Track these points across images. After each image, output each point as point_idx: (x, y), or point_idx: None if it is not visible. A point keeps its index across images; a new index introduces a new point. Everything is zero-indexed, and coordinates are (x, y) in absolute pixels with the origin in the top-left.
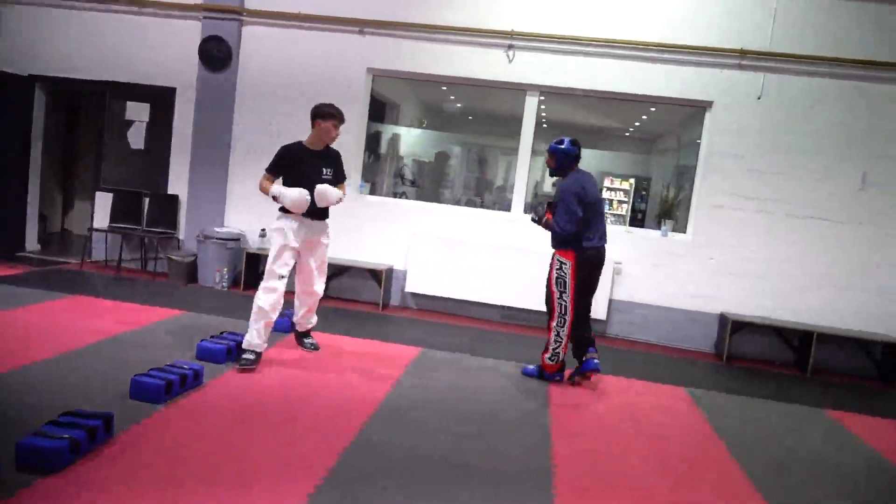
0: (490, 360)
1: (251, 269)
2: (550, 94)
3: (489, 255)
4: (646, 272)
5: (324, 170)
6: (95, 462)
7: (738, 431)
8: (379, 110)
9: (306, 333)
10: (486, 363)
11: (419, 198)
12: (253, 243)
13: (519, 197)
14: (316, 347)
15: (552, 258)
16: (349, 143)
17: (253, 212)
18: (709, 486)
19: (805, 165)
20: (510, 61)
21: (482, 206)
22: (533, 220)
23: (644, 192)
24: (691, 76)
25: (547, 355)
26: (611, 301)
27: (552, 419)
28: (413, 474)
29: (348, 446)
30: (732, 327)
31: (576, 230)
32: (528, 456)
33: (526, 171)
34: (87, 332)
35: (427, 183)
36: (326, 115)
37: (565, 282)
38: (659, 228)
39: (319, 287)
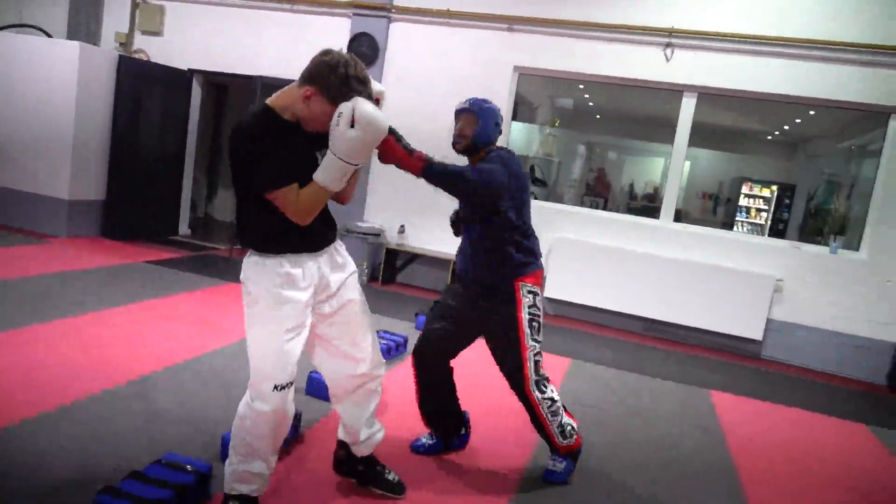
0: (647, 379)
1: (389, 264)
2: (706, 95)
3: (634, 264)
4: (810, 291)
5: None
6: None
7: None
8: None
9: (370, 461)
10: (643, 382)
11: (547, 197)
12: (392, 239)
13: (669, 203)
14: (398, 493)
15: (509, 292)
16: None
17: (393, 208)
18: None
19: None
20: (668, 60)
21: (605, 207)
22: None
23: (787, 201)
24: (872, 78)
25: (562, 439)
26: (768, 321)
27: (733, 457)
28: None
29: (524, 469)
30: None
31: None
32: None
33: (679, 176)
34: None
35: (553, 182)
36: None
37: (540, 320)
38: (811, 241)
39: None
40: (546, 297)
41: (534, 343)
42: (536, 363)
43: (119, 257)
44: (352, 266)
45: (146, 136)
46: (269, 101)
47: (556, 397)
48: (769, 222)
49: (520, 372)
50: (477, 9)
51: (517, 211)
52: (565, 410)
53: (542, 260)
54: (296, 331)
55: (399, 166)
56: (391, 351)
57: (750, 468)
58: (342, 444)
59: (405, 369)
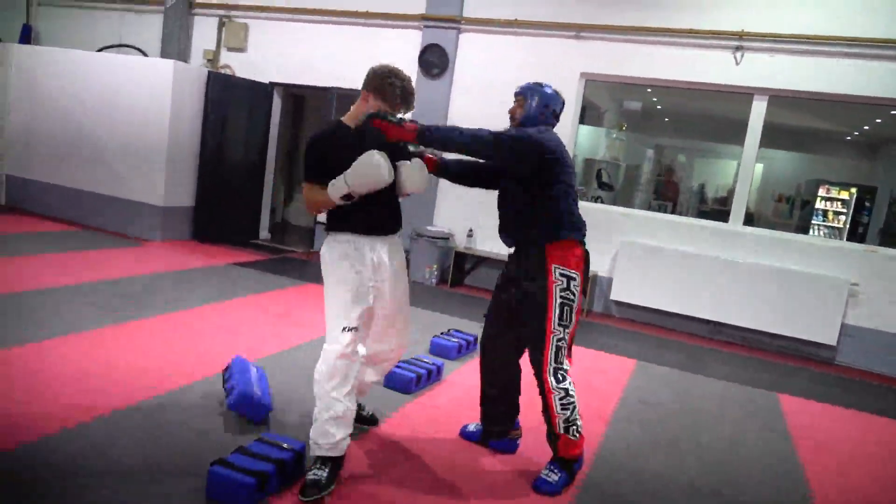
0: (713, 381)
1: (458, 267)
2: (777, 97)
3: (702, 268)
4: (888, 296)
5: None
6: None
7: None
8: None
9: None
10: (709, 384)
11: (614, 201)
12: (461, 242)
13: (739, 206)
14: (372, 423)
15: (540, 269)
16: None
17: (461, 213)
18: None
19: None
20: (737, 63)
21: (673, 211)
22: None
23: (868, 204)
24: None
25: (562, 429)
26: (843, 325)
27: (801, 459)
28: (659, 497)
29: (591, 463)
30: None
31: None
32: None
33: (749, 180)
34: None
35: (619, 186)
36: (382, 90)
37: (572, 307)
38: (893, 246)
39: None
40: (612, 300)
41: (560, 328)
42: (558, 349)
43: (207, 259)
44: (403, 259)
45: (231, 146)
46: (343, 117)
47: (572, 391)
48: (847, 226)
49: (541, 355)
50: (544, 18)
51: (550, 179)
52: (577, 411)
53: (610, 262)
54: (359, 290)
55: (400, 139)
56: (462, 349)
57: (819, 471)
58: None
59: (474, 365)
